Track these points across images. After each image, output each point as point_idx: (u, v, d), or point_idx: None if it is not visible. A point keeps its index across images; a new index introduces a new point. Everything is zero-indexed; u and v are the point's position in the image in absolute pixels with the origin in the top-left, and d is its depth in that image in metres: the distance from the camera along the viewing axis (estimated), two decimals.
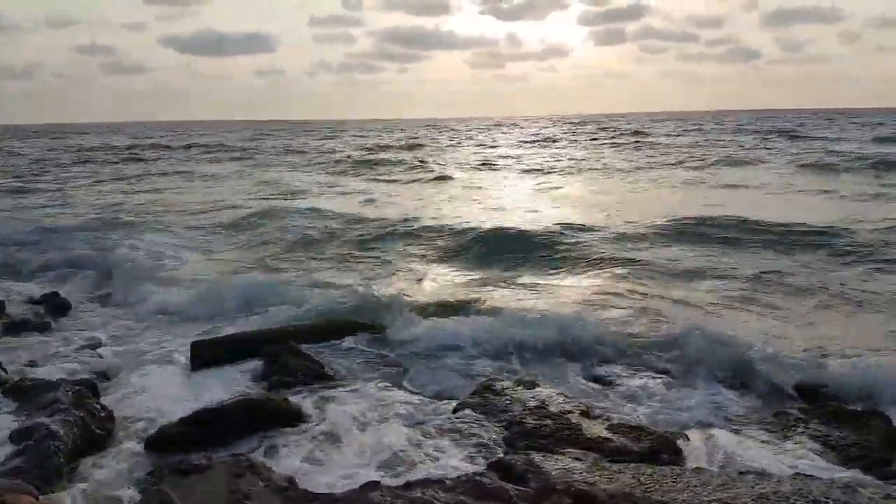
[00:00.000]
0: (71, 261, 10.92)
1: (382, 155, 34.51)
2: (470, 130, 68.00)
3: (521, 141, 48.13)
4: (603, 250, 10.79)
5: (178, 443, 4.67)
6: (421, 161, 29.68)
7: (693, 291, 8.53)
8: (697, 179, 21.33)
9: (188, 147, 45.64)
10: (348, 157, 33.88)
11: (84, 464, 4.51)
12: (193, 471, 4.13)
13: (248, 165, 31.06)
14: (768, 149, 31.82)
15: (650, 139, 42.77)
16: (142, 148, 45.88)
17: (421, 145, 43.36)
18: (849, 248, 10.35)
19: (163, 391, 5.77)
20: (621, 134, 49.91)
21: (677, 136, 45.93)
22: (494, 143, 46.25)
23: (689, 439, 4.72)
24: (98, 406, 5.10)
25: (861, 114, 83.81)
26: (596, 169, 25.84)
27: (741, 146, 34.29)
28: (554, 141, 45.72)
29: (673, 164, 26.11)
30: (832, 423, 4.93)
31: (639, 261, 10.03)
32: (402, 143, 46.23)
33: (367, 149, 40.67)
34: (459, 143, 47.89)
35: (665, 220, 12.94)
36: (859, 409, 5.16)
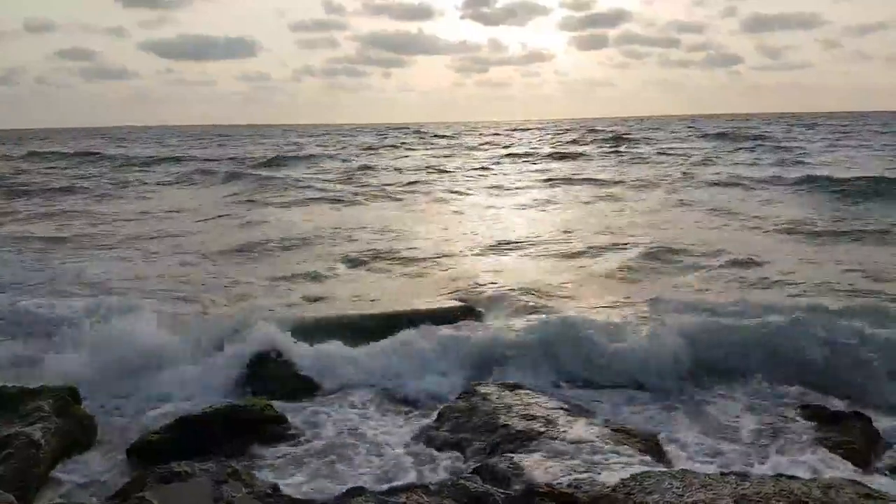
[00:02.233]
0: None
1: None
2: (436, 138, 60.32)
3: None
4: None
5: (161, 450, 4.63)
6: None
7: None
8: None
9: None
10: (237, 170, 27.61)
11: (66, 472, 4.47)
12: (176, 478, 4.11)
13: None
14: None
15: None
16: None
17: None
18: None
19: (145, 398, 5.73)
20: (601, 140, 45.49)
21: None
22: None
23: (671, 441, 4.75)
24: (80, 413, 5.06)
25: (838, 118, 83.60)
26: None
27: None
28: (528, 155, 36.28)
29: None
30: (814, 423, 4.98)
31: None
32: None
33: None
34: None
35: None
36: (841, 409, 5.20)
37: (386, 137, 60.81)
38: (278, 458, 4.64)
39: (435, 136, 62.95)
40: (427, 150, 43.40)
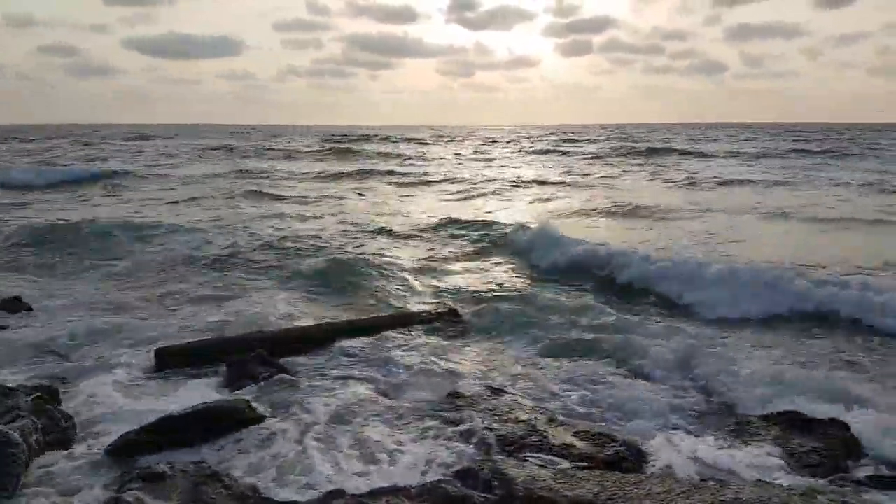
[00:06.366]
0: None
1: None
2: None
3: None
4: None
5: (140, 451, 4.59)
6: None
7: None
8: None
9: None
10: None
11: (43, 472, 4.41)
12: (155, 479, 4.08)
13: None
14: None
15: None
16: None
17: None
18: None
19: (126, 397, 5.68)
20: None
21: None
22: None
23: (652, 446, 4.76)
24: (59, 413, 5.00)
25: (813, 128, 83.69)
26: None
27: None
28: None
29: None
30: (791, 429, 5.01)
31: None
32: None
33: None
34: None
35: None
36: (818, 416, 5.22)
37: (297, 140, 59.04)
38: (258, 458, 4.61)
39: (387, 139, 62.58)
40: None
